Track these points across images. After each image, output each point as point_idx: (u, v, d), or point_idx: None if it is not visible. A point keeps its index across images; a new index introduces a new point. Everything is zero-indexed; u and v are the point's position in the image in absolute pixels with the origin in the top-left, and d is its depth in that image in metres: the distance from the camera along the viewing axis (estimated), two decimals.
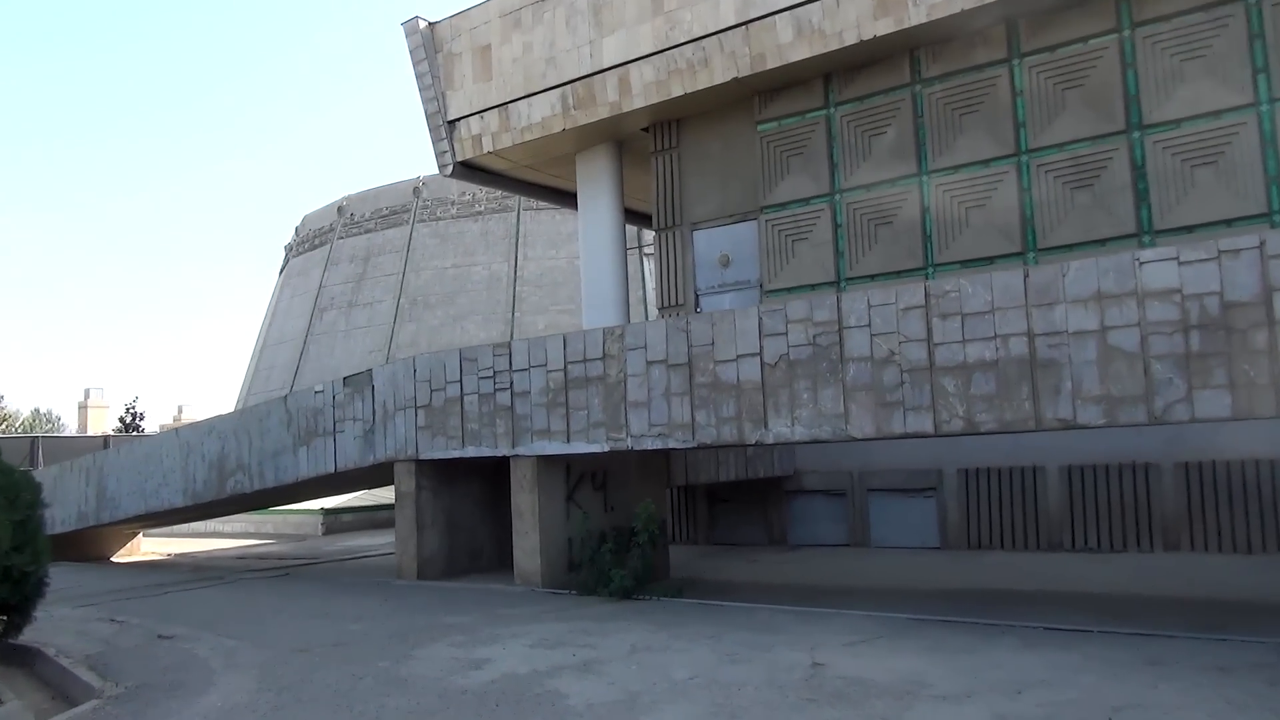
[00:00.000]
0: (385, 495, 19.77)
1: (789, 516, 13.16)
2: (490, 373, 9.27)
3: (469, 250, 46.32)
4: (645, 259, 40.77)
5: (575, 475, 9.36)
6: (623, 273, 15.21)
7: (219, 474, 11.76)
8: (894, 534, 12.23)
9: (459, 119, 15.55)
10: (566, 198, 17.79)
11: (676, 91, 13.21)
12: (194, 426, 12.28)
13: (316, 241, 53.29)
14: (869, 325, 7.03)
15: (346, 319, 46.67)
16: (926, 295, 6.82)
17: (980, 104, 11.73)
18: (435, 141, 15.89)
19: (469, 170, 16.03)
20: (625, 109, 13.72)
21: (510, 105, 14.90)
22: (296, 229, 56.39)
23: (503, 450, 9.14)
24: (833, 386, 7.18)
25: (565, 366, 8.71)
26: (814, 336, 7.29)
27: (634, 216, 16.62)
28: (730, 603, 7.75)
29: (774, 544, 13.16)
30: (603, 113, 13.98)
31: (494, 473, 10.64)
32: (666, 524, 10.59)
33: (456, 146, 15.66)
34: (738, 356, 7.68)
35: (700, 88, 13.03)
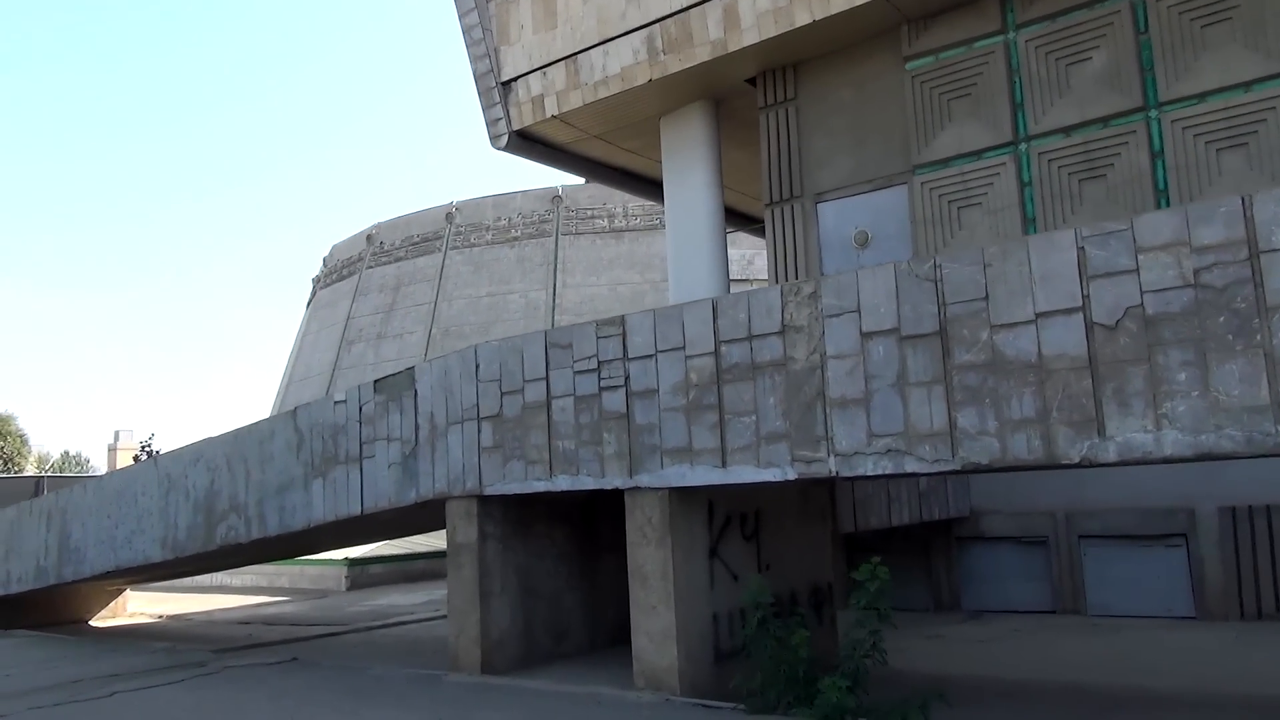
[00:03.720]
0: (418, 542, 16.68)
1: (962, 572, 9.88)
2: (593, 363, 6.17)
3: (504, 278, 43.68)
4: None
5: (720, 518, 6.20)
6: (723, 262, 12.13)
7: (206, 518, 8.70)
8: (1121, 598, 8.91)
9: (515, 78, 12.64)
10: (640, 183, 14.82)
11: (802, 19, 10.20)
12: (176, 454, 9.27)
13: (345, 272, 50.94)
14: None
15: (375, 351, 43.91)
16: None
17: (1234, 7, 8.61)
18: (486, 108, 12.98)
19: (526, 143, 13.07)
20: (731, 48, 10.73)
21: (580, 55, 11.98)
22: (324, 259, 54.14)
23: (614, 480, 6.01)
24: (1242, 358, 4.01)
25: (717, 348, 5.60)
26: (1197, 272, 4.14)
27: None
28: None
29: (942, 609, 9.87)
30: (701, 55, 10.99)
31: (582, 514, 7.51)
32: (833, 590, 7.37)
33: (512, 113, 12.74)
34: (1037, 316, 4.53)
35: (834, 11, 10.00)
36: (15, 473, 52.71)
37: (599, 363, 6.13)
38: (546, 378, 6.41)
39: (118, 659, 8.24)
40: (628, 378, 5.98)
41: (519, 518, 7.05)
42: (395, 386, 7.34)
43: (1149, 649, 7.61)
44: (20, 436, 74.29)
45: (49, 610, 12.27)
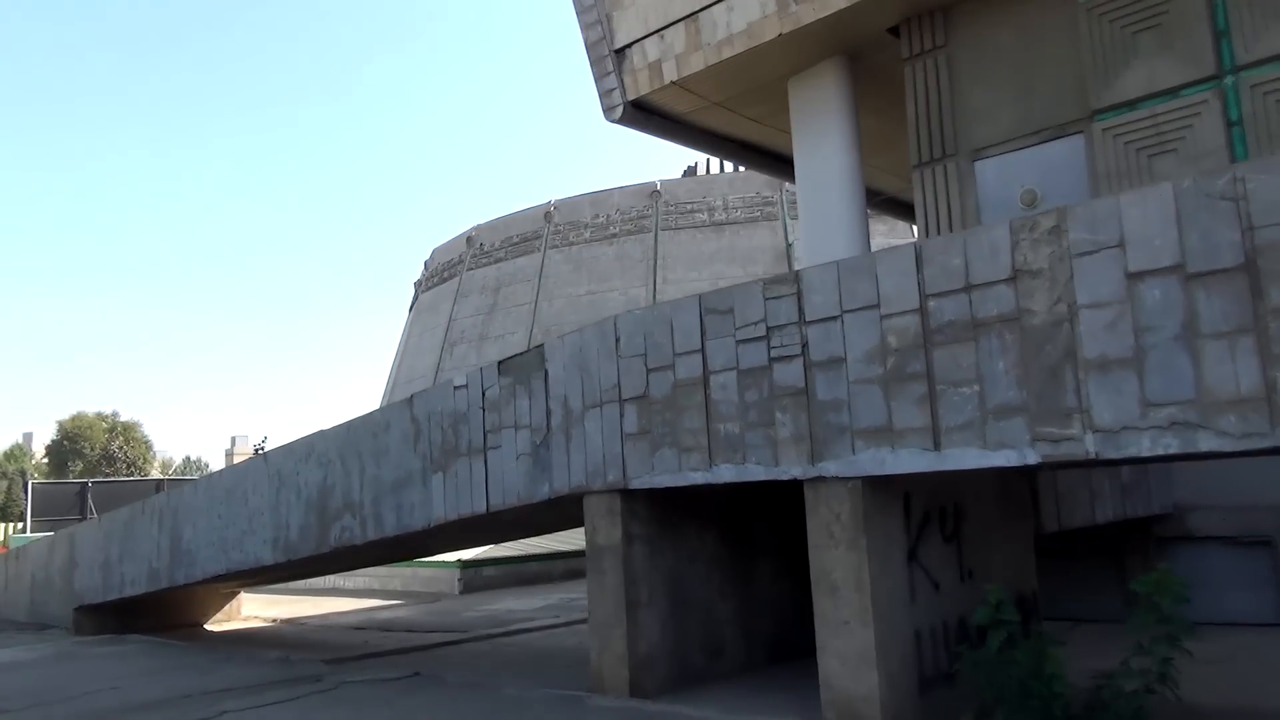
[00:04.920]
0: (531, 543, 15.96)
1: None
2: (760, 330, 5.16)
3: (604, 275, 43.10)
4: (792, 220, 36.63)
5: (918, 515, 5.12)
6: (864, 236, 10.97)
7: (320, 517, 8.04)
8: None
9: (630, 44, 11.74)
10: (762, 157, 13.76)
11: None
12: (287, 449, 8.65)
13: (445, 275, 51.27)
14: None
15: (478, 353, 43.85)
16: None
17: None
18: (599, 79, 12.12)
19: (641, 114, 12.15)
20: None
21: (702, 13, 11.00)
22: (425, 263, 54.66)
23: (790, 468, 5.00)
24: None
25: (923, 304, 4.53)
26: None
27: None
28: None
29: None
30: (837, 2, 9.88)
31: (734, 512, 6.52)
32: (1038, 600, 6.19)
33: (626, 82, 11.84)
34: None
35: None
36: (140, 477, 54.86)
37: (768, 329, 5.13)
38: (703, 350, 5.43)
39: (230, 671, 7.63)
40: (806, 345, 4.96)
41: (666, 516, 6.11)
42: (523, 367, 6.48)
43: None
44: (145, 442, 77.91)
45: (164, 613, 11.94)
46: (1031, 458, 4.14)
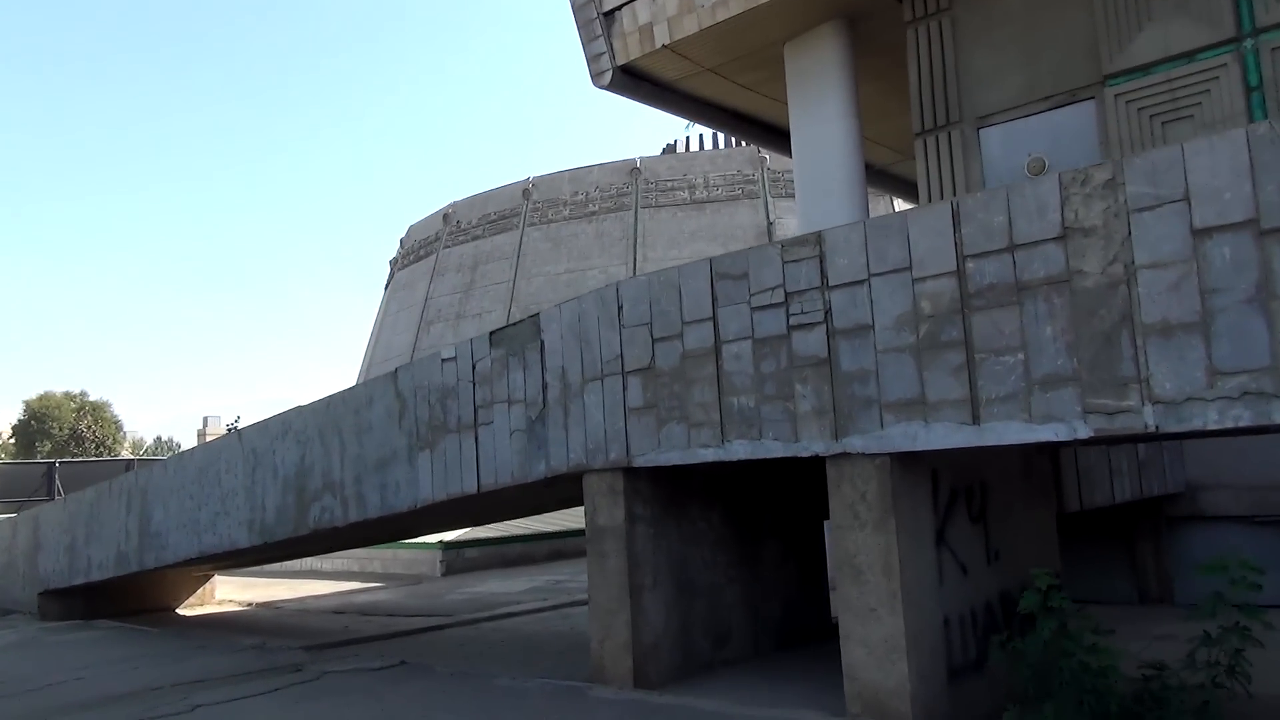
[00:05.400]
0: (514, 524, 15.57)
1: (1174, 559, 8.27)
2: (778, 295, 4.79)
3: (583, 253, 42.63)
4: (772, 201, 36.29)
5: (945, 494, 4.79)
6: (863, 203, 10.61)
7: (298, 498, 7.61)
8: None
9: (620, 6, 11.27)
10: (755, 127, 13.36)
11: None
12: (262, 426, 8.20)
13: (422, 252, 50.52)
14: None
15: (454, 331, 43.24)
16: None
17: None
18: (586, 43, 11.66)
19: (630, 80, 11.69)
20: None
21: None
22: (401, 240, 53.82)
23: (811, 444, 4.64)
24: None
25: (960, 266, 4.17)
26: None
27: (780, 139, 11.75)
28: None
29: (1148, 601, 8.28)
30: None
31: (740, 491, 6.17)
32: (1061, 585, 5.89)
33: (616, 46, 11.38)
34: None
35: None
36: (110, 457, 53.87)
37: (787, 294, 4.75)
38: (714, 317, 5.06)
39: (203, 660, 7.21)
40: (829, 312, 4.59)
41: (671, 496, 5.75)
42: (516, 338, 6.08)
43: None
44: (115, 422, 76.63)
45: (134, 597, 11.48)
46: (1083, 431, 3.81)
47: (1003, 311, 4.03)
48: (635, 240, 42.05)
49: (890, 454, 4.38)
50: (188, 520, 8.83)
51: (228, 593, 13.26)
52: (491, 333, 6.26)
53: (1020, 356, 3.98)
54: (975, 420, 4.09)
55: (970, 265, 4.14)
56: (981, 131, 9.50)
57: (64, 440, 68.45)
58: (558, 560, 16.02)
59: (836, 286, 4.59)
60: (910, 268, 4.33)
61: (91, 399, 76.21)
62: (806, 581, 6.73)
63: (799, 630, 6.56)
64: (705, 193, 43.86)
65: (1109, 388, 3.75)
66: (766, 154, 42.97)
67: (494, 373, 6.19)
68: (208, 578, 12.60)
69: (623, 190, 44.12)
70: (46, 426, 72.06)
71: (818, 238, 4.68)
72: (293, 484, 7.63)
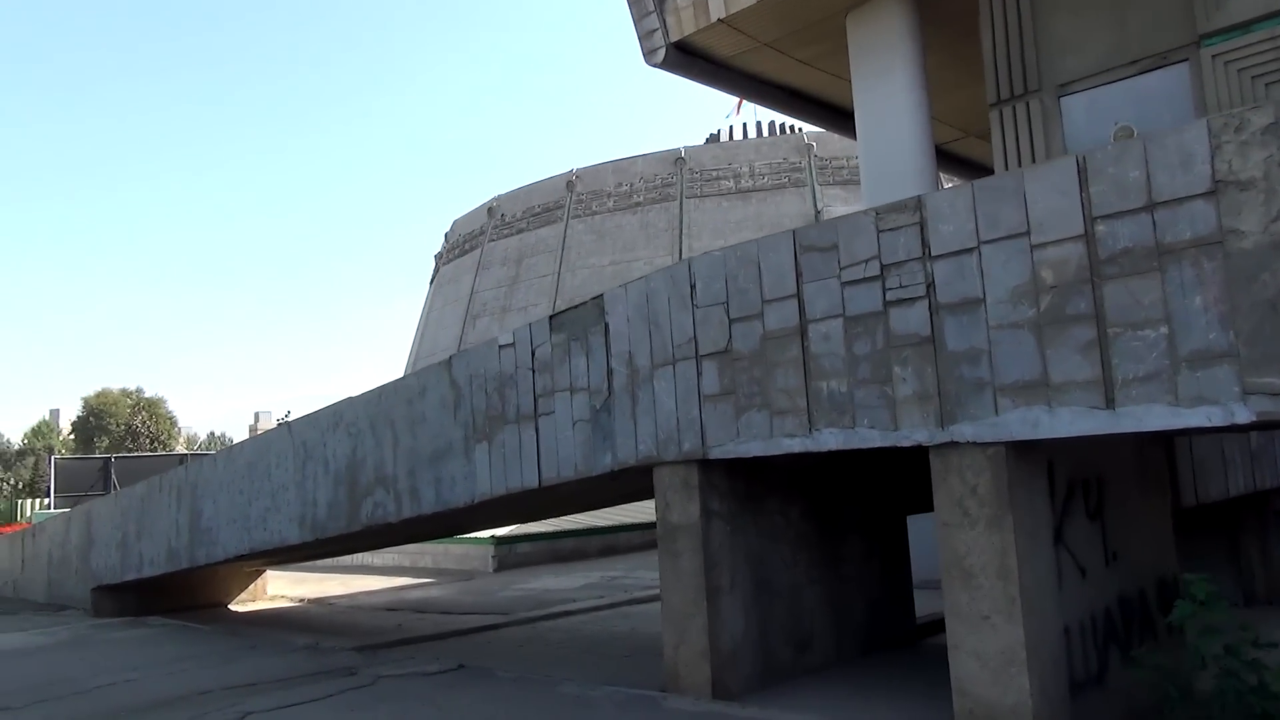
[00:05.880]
0: (569, 519, 15.23)
1: None
2: (872, 268, 4.33)
3: (628, 245, 42.27)
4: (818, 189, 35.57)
5: (1062, 489, 4.30)
6: (933, 180, 10.06)
7: (349, 492, 7.31)
8: None
9: None
10: (812, 106, 12.83)
11: None
12: (312, 418, 7.92)
13: (467, 246, 50.52)
14: None
15: (500, 325, 43.14)
16: None
17: None
18: (639, 19, 11.22)
19: (685, 57, 11.24)
20: None
21: None
22: (446, 235, 53.90)
23: (913, 433, 4.18)
24: None
25: (1089, 229, 3.68)
26: None
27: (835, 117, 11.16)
28: None
29: (1256, 603, 7.67)
30: None
31: (818, 483, 5.72)
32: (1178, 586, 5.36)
33: (669, 21, 10.94)
34: None
35: None
36: (164, 452, 54.76)
37: (883, 267, 4.29)
38: (798, 294, 4.61)
39: (255, 661, 6.94)
40: (931, 284, 4.13)
41: (747, 489, 5.32)
42: (578, 322, 5.68)
43: None
44: (169, 418, 78.10)
45: (187, 593, 11.34)
46: (1242, 415, 3.31)
47: (1141, 280, 3.54)
48: (680, 231, 41.58)
49: (1005, 443, 3.90)
50: (238, 515, 8.59)
51: (279, 588, 13.09)
52: (552, 316, 5.87)
53: (1163, 330, 3.48)
54: (1109, 404, 3.61)
55: (1101, 228, 3.65)
56: (1063, 100, 8.90)
57: (120, 436, 69.87)
58: (611, 555, 15.67)
59: (941, 256, 4.12)
60: (1028, 233, 3.85)
61: (147, 395, 77.74)
62: (890, 580, 6.26)
63: (883, 634, 6.10)
64: (751, 181, 43.26)
65: (1274, 364, 3.25)
66: (813, 141, 42.28)
67: (555, 359, 5.80)
68: (259, 573, 12.44)
69: (667, 180, 43.67)
70: (104, 423, 73.67)
71: (918, 202, 4.21)
72: (344, 478, 7.33)
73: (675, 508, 5.13)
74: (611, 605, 9.90)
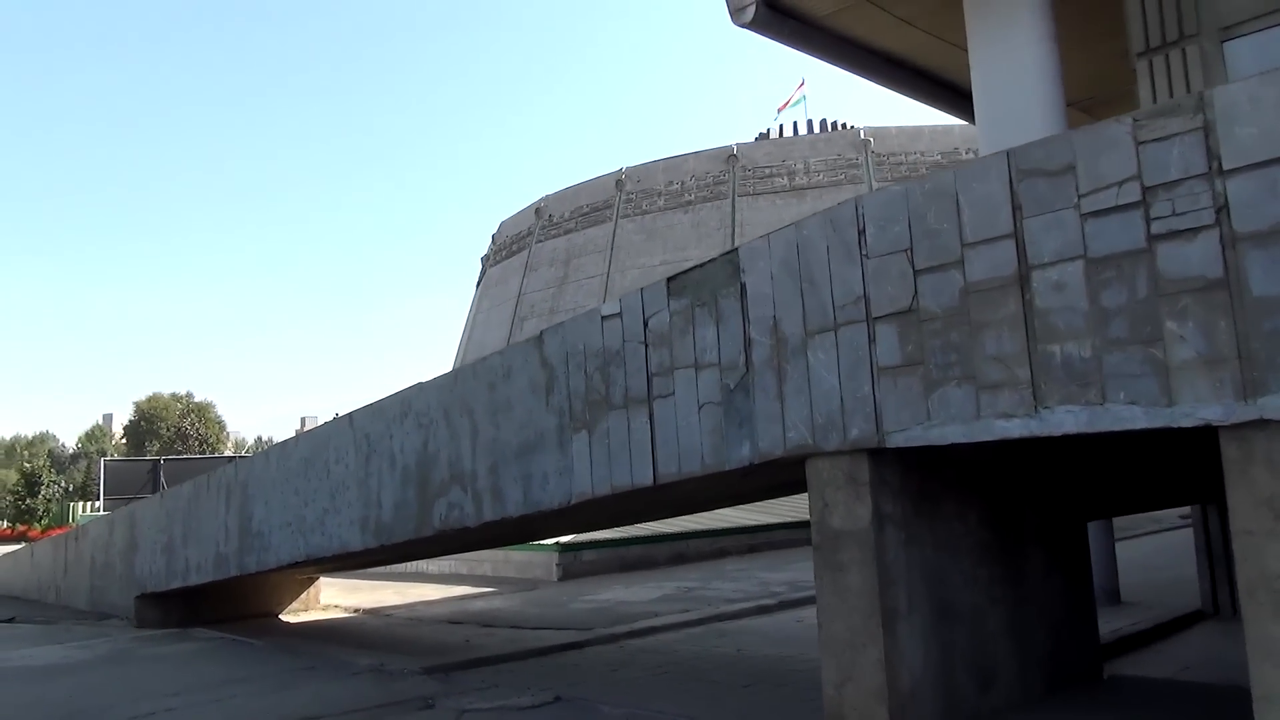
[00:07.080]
0: (638, 526, 14.24)
1: None
2: (1131, 192, 3.27)
3: (679, 244, 41.30)
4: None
5: None
6: None
7: (419, 492, 6.37)
8: None
9: None
10: (912, 77, 11.74)
11: None
12: (376, 408, 7.00)
13: (514, 248, 49.91)
14: None
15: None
16: None
17: None
18: None
19: (776, 16, 10.22)
20: None
21: None
22: (493, 237, 53.37)
23: (1200, 408, 3.11)
24: None
25: None
26: None
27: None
28: None
29: None
30: None
31: (995, 480, 4.65)
32: None
33: None
34: None
35: None
36: (212, 455, 54.84)
37: (1144, 190, 3.23)
38: (1016, 233, 3.56)
39: (313, 687, 6.02)
40: (1224, 208, 3.06)
41: (920, 488, 4.27)
42: (705, 283, 4.67)
43: None
44: (219, 422, 78.70)
45: (236, 602, 10.53)
46: None
47: None
48: (733, 229, 40.53)
49: None
50: (292, 518, 7.71)
51: (331, 596, 12.24)
52: (670, 279, 4.88)
53: None
54: None
55: None
56: (1226, 45, 7.73)
57: (170, 439, 70.45)
58: (680, 564, 14.63)
59: (1235, 171, 3.05)
60: None
61: (197, 400, 78.46)
62: (1072, 599, 5.16)
63: (1067, 664, 5.01)
64: (805, 179, 42.11)
65: None
66: (870, 137, 40.98)
67: (674, 330, 4.80)
68: (312, 581, 11.60)
69: (719, 178, 42.66)
70: (155, 426, 74.41)
71: (1198, 101, 3.14)
72: (414, 475, 6.40)
73: (837, 510, 4.09)
74: (700, 621, 8.88)
